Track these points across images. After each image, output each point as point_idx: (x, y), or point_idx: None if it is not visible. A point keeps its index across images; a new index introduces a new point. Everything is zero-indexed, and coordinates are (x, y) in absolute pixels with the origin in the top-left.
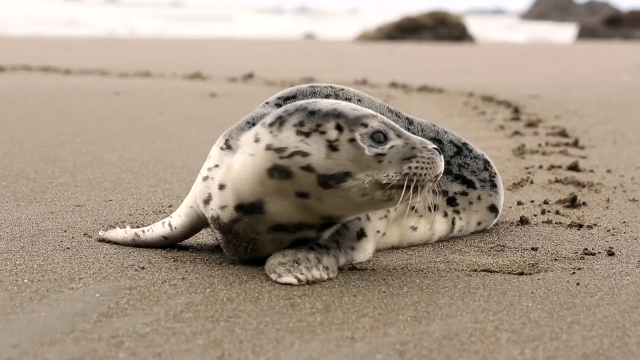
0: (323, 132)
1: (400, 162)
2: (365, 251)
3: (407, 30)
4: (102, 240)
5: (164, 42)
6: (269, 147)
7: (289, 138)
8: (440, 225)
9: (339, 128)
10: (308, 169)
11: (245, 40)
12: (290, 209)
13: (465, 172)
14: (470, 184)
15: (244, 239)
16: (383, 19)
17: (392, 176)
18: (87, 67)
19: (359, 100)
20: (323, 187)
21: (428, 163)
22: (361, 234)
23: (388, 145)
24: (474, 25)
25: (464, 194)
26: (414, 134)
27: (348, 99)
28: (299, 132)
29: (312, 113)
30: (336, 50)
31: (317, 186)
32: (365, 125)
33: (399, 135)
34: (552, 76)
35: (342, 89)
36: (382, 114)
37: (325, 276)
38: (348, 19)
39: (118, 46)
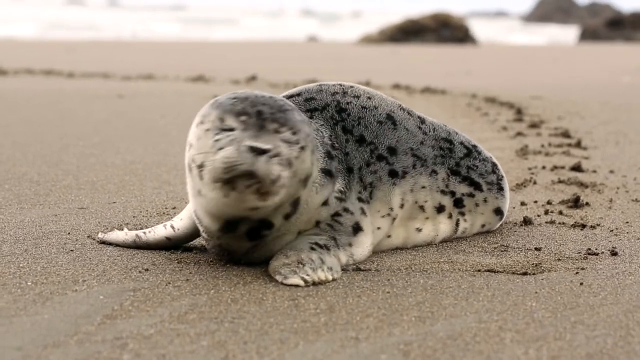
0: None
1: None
2: (362, 245)
3: (409, 32)
4: (103, 242)
5: (167, 45)
6: None
7: None
8: (444, 227)
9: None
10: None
11: (248, 42)
12: None
13: (473, 174)
14: (477, 186)
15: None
16: (386, 21)
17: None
18: (90, 70)
19: (369, 98)
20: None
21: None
22: (357, 228)
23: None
24: (476, 28)
25: (471, 195)
26: (425, 133)
27: (357, 96)
28: None
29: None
30: (339, 52)
31: None
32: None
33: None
34: (554, 78)
35: (352, 86)
36: (394, 112)
37: (330, 277)
38: (351, 22)
39: (121, 49)
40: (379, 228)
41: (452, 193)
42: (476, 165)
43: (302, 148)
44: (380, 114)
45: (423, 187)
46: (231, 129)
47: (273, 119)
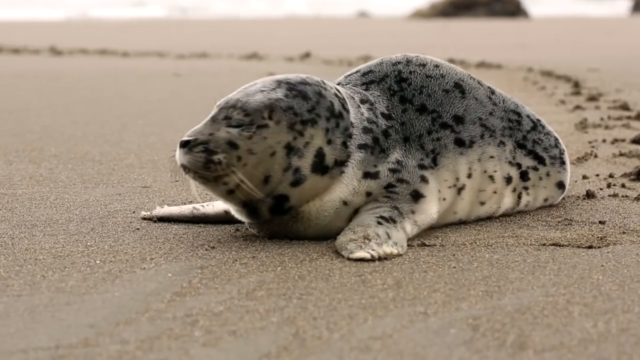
0: None
1: None
2: (426, 212)
3: (460, 6)
4: (160, 219)
5: (219, 22)
6: None
7: None
8: (507, 199)
9: None
10: None
11: (300, 19)
12: None
13: (538, 148)
14: (541, 160)
15: None
16: None
17: None
18: (144, 49)
19: (436, 66)
20: None
21: None
22: (417, 195)
23: None
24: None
25: (535, 169)
26: (495, 104)
27: (422, 65)
28: None
29: None
30: (391, 28)
31: None
32: None
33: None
34: (610, 50)
35: (417, 56)
36: (463, 80)
37: (395, 251)
38: None
39: (173, 28)
40: (444, 199)
41: (519, 165)
42: (541, 139)
43: (260, 126)
44: (447, 83)
45: (491, 157)
46: None
47: (229, 106)
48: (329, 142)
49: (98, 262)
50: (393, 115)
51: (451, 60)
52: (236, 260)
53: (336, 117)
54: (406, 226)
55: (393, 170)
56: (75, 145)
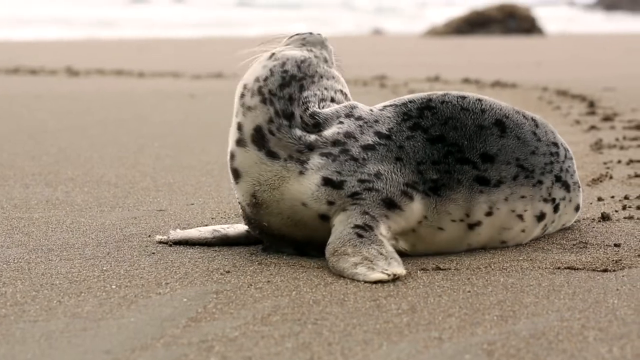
0: None
1: None
2: (399, 224)
3: (475, 24)
4: (178, 243)
5: (232, 41)
6: None
7: None
8: (535, 234)
9: None
10: None
11: None
12: None
13: (567, 177)
14: (567, 188)
15: None
16: (451, 13)
17: None
18: (160, 69)
19: (479, 100)
20: None
21: None
22: (390, 204)
23: None
24: (543, 17)
25: (564, 199)
26: (540, 139)
27: (462, 98)
28: None
29: None
30: (406, 46)
31: None
32: None
33: None
34: (626, 68)
35: (464, 93)
36: (507, 117)
37: (403, 272)
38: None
39: (187, 47)
40: (440, 228)
41: (553, 200)
42: (570, 167)
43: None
44: (486, 119)
45: (523, 197)
46: None
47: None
48: (270, 132)
49: (114, 287)
50: (393, 137)
51: (466, 80)
52: (251, 285)
53: (289, 120)
54: (382, 231)
55: (363, 181)
56: (92, 168)
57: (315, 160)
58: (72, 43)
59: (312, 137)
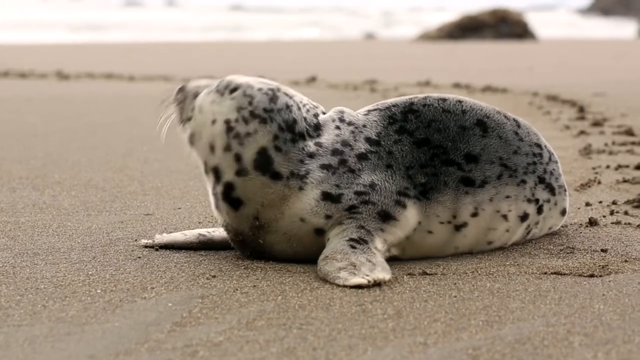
0: None
1: None
2: (395, 235)
3: (467, 29)
4: (164, 247)
5: (223, 45)
6: None
7: None
8: (517, 236)
9: None
10: None
11: (306, 41)
12: None
13: (552, 180)
14: (552, 191)
15: None
16: (443, 18)
17: None
18: (150, 73)
19: (459, 101)
20: None
21: None
22: (386, 216)
23: None
24: (534, 22)
25: (548, 201)
26: (522, 139)
27: (443, 100)
28: None
29: None
30: (397, 50)
31: None
32: None
33: None
34: (616, 74)
35: (447, 96)
36: (488, 117)
37: (387, 277)
38: (408, 19)
39: (178, 51)
40: (430, 232)
41: (537, 201)
42: (554, 169)
43: (218, 93)
44: (467, 120)
45: (507, 197)
46: None
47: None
48: (277, 148)
49: (99, 291)
50: (382, 143)
51: (457, 85)
52: (237, 290)
53: (292, 134)
54: (377, 245)
55: (359, 193)
56: (79, 172)
57: (316, 173)
58: (63, 46)
59: (313, 148)
